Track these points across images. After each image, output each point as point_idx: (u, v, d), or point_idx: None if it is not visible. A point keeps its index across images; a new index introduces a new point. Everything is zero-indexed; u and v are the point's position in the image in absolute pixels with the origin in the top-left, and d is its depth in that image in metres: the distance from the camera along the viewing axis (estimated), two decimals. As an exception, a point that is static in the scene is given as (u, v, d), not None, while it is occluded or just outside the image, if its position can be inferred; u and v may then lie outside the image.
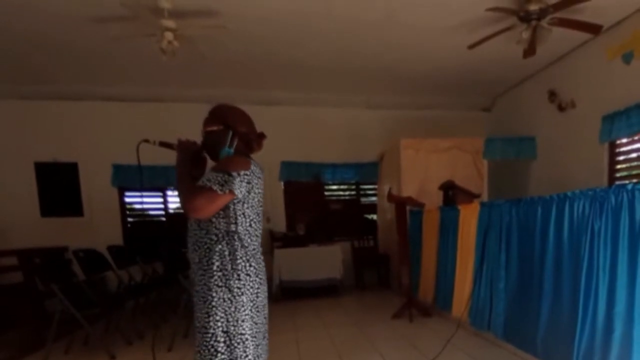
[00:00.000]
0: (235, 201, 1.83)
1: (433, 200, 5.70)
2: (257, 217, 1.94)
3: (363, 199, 8.28)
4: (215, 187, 1.75)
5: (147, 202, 7.55)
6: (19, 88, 6.32)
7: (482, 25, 4.80)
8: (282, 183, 7.56)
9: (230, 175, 1.78)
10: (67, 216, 6.66)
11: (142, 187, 7.08)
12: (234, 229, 1.84)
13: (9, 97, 6.36)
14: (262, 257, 1.99)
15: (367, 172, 7.81)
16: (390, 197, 5.70)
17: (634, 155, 5.19)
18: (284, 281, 6.58)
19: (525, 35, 4.42)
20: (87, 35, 4.88)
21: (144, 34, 4.38)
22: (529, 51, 4.76)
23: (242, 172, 1.82)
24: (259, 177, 1.92)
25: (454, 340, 3.98)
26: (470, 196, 5.35)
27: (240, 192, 1.81)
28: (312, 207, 7.78)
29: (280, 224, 7.49)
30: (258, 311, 1.91)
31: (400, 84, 7.05)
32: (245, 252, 1.86)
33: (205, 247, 1.84)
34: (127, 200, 7.20)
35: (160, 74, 6.15)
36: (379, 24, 4.92)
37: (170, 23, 4.18)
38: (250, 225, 1.90)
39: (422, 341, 4.21)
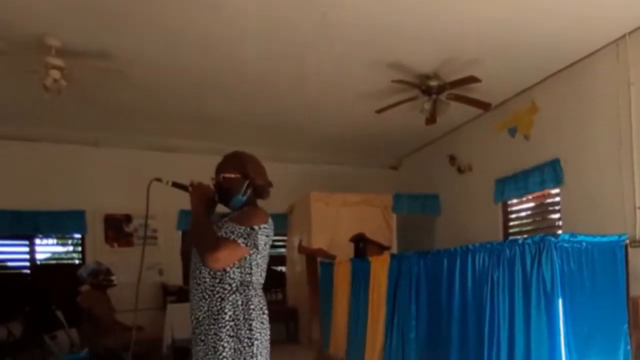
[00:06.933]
0: (251, 252, 1.91)
1: (344, 253, 5.77)
2: (266, 267, 2.05)
3: (271, 251, 8.11)
4: (239, 240, 1.84)
5: (8, 251, 6.52)
6: None
7: (390, 93, 5.21)
8: (179, 232, 6.91)
9: (252, 229, 1.89)
10: None
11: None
12: (249, 279, 1.92)
13: None
14: None
15: (276, 223, 7.63)
16: (301, 248, 5.70)
17: (523, 214, 5.87)
18: (177, 340, 5.71)
19: (427, 106, 4.94)
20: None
21: (24, 70, 4.04)
22: (431, 120, 5.28)
23: (262, 226, 1.93)
24: (272, 229, 2.04)
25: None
26: (381, 248, 5.53)
27: (261, 245, 1.92)
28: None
29: (175, 277, 6.82)
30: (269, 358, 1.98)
31: (309, 141, 7.25)
32: (259, 301, 1.95)
33: (217, 296, 1.87)
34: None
35: (37, 112, 5.58)
36: (289, 87, 5.15)
37: (57, 61, 3.94)
38: (261, 275, 1.99)
39: (334, 396, 4.12)
